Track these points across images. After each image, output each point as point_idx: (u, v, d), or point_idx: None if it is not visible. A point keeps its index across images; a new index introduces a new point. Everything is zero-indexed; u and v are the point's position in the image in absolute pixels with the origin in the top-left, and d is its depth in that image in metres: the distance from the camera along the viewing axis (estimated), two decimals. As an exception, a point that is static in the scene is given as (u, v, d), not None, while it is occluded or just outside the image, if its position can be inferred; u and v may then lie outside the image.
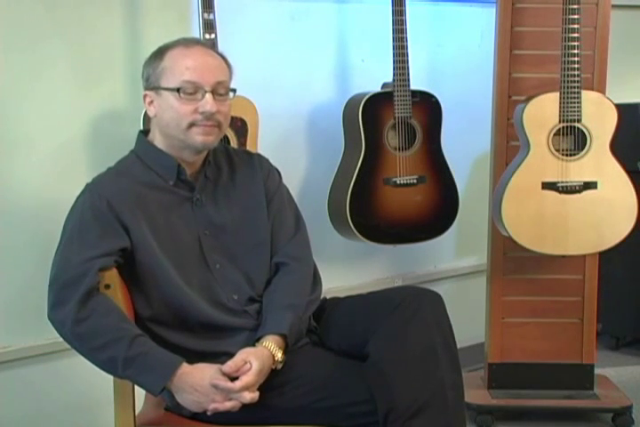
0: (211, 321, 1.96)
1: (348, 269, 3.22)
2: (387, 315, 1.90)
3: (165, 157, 2.00)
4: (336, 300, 2.19)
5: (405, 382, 1.80)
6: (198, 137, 1.95)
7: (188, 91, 1.93)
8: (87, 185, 2.01)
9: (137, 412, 1.96)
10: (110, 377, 1.91)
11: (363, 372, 1.88)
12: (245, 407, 1.83)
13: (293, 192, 2.35)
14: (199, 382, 1.81)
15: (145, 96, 1.99)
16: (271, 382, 1.88)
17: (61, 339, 2.56)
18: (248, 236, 2.07)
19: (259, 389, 1.84)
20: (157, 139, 2.02)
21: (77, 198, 1.98)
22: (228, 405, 1.81)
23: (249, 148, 2.67)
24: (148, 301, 1.94)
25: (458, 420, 1.86)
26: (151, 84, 1.98)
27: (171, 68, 1.95)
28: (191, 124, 1.94)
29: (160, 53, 1.97)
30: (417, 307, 1.90)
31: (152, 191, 1.98)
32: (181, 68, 1.94)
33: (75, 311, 1.79)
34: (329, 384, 1.88)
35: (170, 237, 1.97)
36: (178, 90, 1.93)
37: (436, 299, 1.96)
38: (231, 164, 2.12)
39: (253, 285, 2.06)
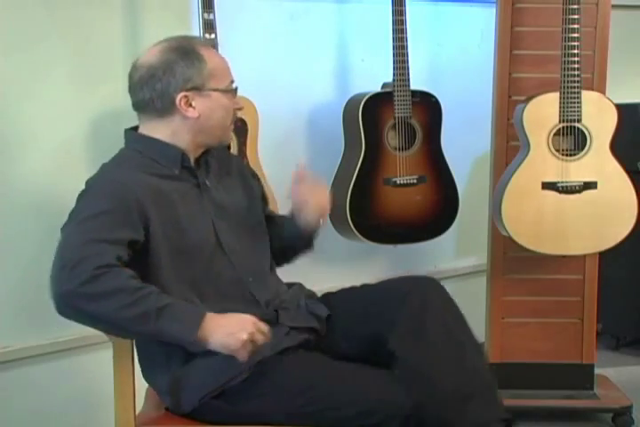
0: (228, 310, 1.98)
1: (348, 269, 3.21)
2: (397, 307, 1.95)
3: (168, 147, 2.00)
4: (330, 295, 2.20)
5: (441, 372, 1.87)
6: (230, 133, 2.09)
7: (236, 91, 2.03)
8: (101, 174, 1.98)
9: (137, 412, 1.96)
10: (110, 377, 1.91)
11: (359, 373, 1.91)
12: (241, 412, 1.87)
13: (293, 192, 2.36)
14: (228, 316, 1.83)
15: (184, 97, 1.96)
16: (260, 389, 1.89)
17: (62, 339, 2.59)
18: (248, 217, 2.12)
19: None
20: (162, 134, 2.00)
21: (92, 184, 1.94)
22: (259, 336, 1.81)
23: (249, 148, 2.67)
24: (162, 284, 1.92)
25: (500, 400, 2.01)
26: (196, 85, 1.96)
27: (217, 69, 1.98)
28: (230, 122, 2.04)
29: (195, 54, 1.96)
30: (424, 295, 1.96)
31: (164, 181, 1.98)
32: (224, 68, 2.01)
33: (93, 270, 1.75)
34: (315, 388, 1.89)
35: (189, 223, 1.97)
36: (232, 90, 2.01)
37: (435, 283, 2.04)
38: (211, 151, 2.13)
39: (262, 268, 2.11)
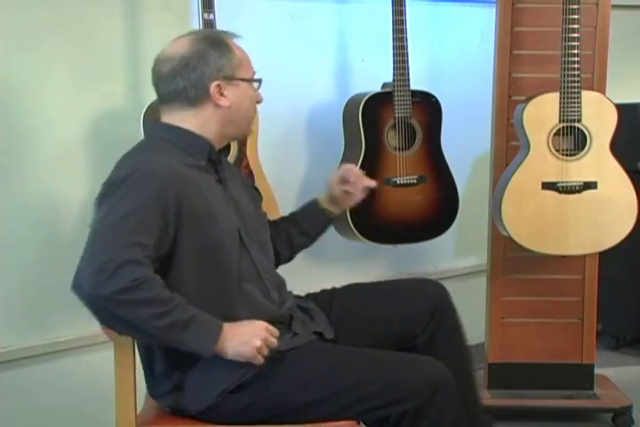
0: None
1: (348, 269, 3.21)
2: (430, 315, 2.18)
3: (198, 138, 2.01)
4: (336, 292, 2.26)
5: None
6: (252, 126, 2.10)
7: (261, 81, 2.06)
8: (137, 164, 1.93)
9: (137, 412, 1.96)
10: (111, 377, 1.91)
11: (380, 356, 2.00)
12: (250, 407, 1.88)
13: (293, 192, 2.37)
14: (241, 324, 1.87)
15: (217, 86, 1.98)
16: (273, 382, 1.90)
17: (62, 339, 2.59)
18: (256, 215, 2.14)
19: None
20: (191, 124, 2.00)
21: (129, 174, 1.89)
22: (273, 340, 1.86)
23: (249, 148, 2.67)
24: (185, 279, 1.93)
25: None
26: (227, 75, 1.98)
27: (244, 60, 2.02)
28: (254, 114, 2.09)
29: (225, 44, 2.00)
30: (447, 306, 2.24)
31: (195, 171, 1.98)
32: (248, 59, 2.04)
33: (129, 283, 1.75)
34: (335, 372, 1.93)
35: (219, 216, 1.98)
36: (259, 80, 2.04)
37: (446, 290, 2.28)
38: (224, 150, 2.16)
39: (272, 265, 2.15)
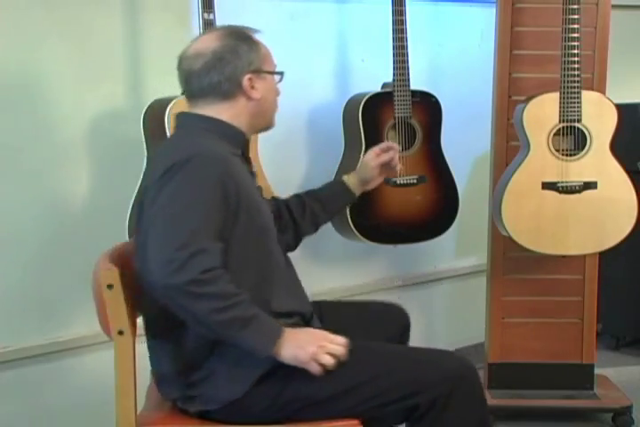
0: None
1: (348, 270, 3.22)
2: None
3: (234, 129, 2.05)
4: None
5: None
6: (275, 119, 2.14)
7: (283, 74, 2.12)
8: (197, 148, 1.94)
9: (137, 412, 1.96)
10: (111, 377, 1.91)
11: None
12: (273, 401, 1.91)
13: (293, 192, 2.36)
14: (302, 330, 1.90)
15: (248, 79, 2.02)
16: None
17: (62, 339, 2.59)
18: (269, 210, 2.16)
19: None
20: (225, 117, 2.03)
21: (192, 156, 1.89)
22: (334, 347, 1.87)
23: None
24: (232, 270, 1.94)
25: None
26: (256, 68, 2.03)
27: (268, 54, 2.07)
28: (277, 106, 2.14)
29: (250, 38, 2.04)
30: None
31: (239, 162, 2.03)
32: (271, 53, 2.09)
33: (199, 275, 1.78)
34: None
35: (262, 206, 2.04)
36: (282, 73, 2.09)
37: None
38: None
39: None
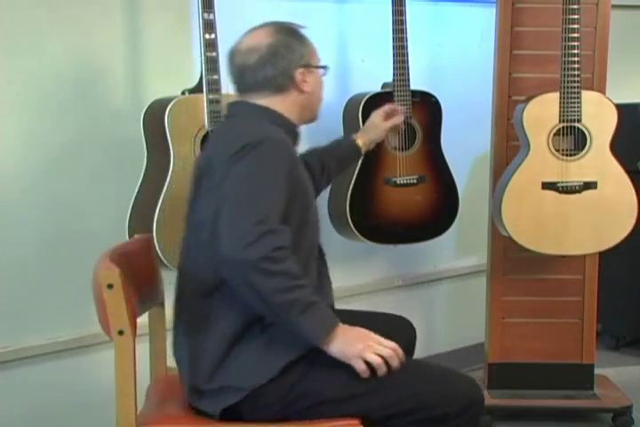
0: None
1: (348, 269, 3.21)
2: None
3: (288, 120, 2.10)
4: None
5: None
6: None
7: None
8: (268, 132, 2.00)
9: (137, 412, 1.95)
10: (111, 377, 1.91)
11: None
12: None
13: (294, 192, 2.36)
14: (356, 329, 1.93)
15: (301, 73, 2.08)
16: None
17: (62, 339, 2.59)
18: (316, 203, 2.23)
19: None
20: (279, 109, 2.08)
21: (264, 139, 1.95)
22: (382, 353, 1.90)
23: (249, 148, 2.67)
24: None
25: None
26: (306, 62, 2.10)
27: (315, 49, 2.15)
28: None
29: (300, 33, 2.12)
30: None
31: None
32: (316, 48, 2.15)
33: (271, 252, 1.82)
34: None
35: (312, 195, 2.12)
36: (327, 67, 2.16)
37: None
38: None
39: None
